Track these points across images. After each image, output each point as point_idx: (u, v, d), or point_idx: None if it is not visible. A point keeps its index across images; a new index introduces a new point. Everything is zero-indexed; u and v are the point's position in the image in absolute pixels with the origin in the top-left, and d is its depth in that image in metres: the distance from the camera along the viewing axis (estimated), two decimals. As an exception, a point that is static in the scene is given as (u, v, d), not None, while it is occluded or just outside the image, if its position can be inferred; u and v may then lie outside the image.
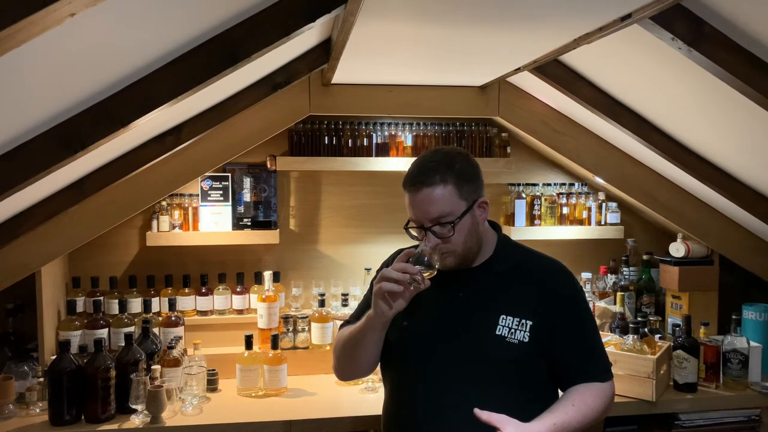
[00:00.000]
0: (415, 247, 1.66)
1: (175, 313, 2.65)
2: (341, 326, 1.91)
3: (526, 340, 1.63)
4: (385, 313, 1.62)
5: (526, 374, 1.66)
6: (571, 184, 3.10)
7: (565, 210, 3.01)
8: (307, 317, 2.73)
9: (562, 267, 1.78)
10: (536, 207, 2.97)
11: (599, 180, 2.93)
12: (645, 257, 3.05)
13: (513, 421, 1.55)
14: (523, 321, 1.64)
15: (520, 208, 2.96)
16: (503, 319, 1.65)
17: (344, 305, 2.79)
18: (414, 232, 1.69)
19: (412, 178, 1.65)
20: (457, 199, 1.62)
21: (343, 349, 1.81)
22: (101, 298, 2.66)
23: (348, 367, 1.85)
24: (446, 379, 1.65)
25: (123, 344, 2.35)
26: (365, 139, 2.85)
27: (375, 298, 1.62)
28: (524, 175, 3.09)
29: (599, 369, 1.72)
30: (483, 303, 1.70)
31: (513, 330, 1.64)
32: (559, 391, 1.74)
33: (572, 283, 1.76)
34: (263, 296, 2.70)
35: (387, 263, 1.87)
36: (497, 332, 1.64)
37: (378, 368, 1.84)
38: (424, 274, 1.58)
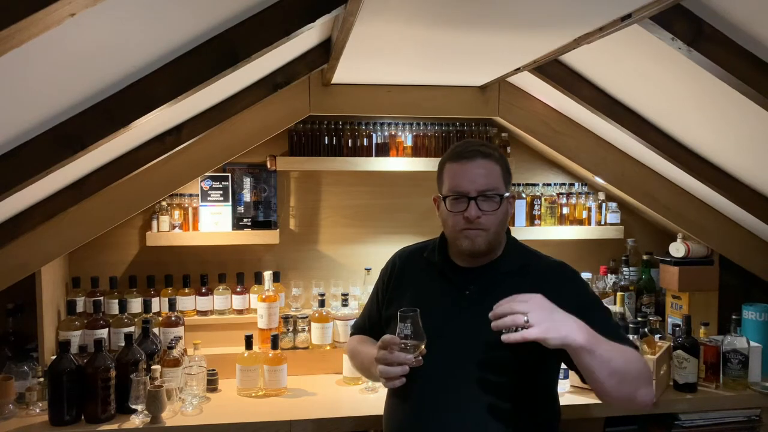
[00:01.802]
0: (393, 321, 1.60)
1: (175, 313, 2.65)
2: (352, 328, 2.02)
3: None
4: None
5: (531, 374, 1.66)
6: (571, 184, 3.10)
7: (565, 210, 3.01)
8: (307, 317, 2.73)
9: (566, 266, 1.79)
10: (536, 207, 2.97)
11: (599, 180, 2.93)
12: (645, 257, 3.05)
13: (536, 295, 1.50)
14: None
15: (520, 208, 2.96)
16: None
17: (344, 305, 2.78)
18: (449, 205, 1.67)
19: (465, 147, 1.69)
20: (501, 181, 1.68)
21: (355, 365, 1.94)
22: (101, 298, 2.66)
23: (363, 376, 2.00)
24: (450, 378, 1.65)
25: (123, 344, 2.35)
26: (365, 139, 2.84)
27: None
28: (524, 175, 3.08)
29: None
30: (489, 302, 1.69)
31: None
32: (581, 383, 1.72)
33: (576, 278, 1.77)
34: (263, 296, 2.70)
35: (387, 267, 1.90)
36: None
37: None
38: (415, 351, 1.55)
